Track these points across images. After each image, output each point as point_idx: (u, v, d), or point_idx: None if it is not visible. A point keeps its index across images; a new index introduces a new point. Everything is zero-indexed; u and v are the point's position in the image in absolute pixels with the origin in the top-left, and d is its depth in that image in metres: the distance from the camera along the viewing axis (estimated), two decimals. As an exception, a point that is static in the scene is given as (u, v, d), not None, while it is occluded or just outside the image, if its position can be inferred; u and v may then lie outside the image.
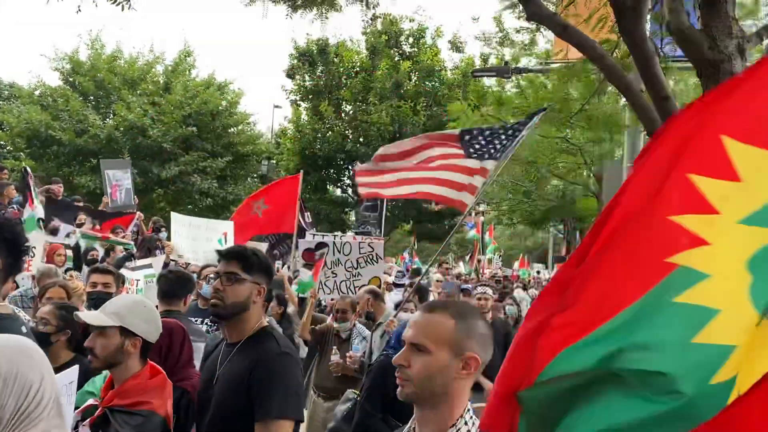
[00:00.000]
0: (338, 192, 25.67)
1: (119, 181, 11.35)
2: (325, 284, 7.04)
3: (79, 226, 9.23)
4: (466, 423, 1.64)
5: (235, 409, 2.45)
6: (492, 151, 6.20)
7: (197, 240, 9.42)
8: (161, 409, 2.54)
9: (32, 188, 8.20)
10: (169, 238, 10.00)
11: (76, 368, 2.38)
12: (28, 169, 8.72)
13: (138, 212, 10.96)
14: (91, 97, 22.49)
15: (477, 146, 6.31)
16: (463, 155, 6.12)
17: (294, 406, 2.46)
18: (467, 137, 6.15)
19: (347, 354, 5.48)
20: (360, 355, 5.45)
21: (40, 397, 1.54)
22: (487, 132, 6.26)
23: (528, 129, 6.09)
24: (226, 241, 9.86)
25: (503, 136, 6.15)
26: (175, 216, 9.88)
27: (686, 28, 3.35)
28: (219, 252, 2.70)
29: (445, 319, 1.66)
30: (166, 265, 7.66)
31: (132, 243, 9.31)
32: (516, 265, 29.45)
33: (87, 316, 2.70)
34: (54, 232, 8.50)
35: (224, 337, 2.69)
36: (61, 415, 1.62)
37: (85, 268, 7.67)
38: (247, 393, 2.43)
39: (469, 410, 1.67)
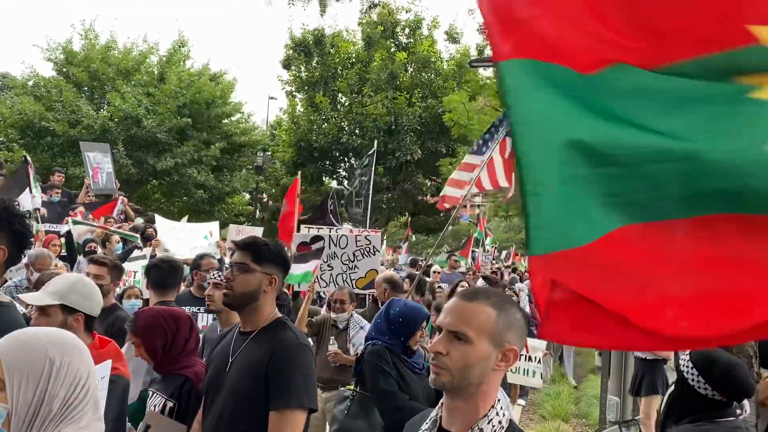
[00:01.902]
0: (334, 184, 25.61)
1: (100, 164, 11.28)
2: (321, 277, 7.01)
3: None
4: (497, 413, 1.60)
5: (250, 395, 2.45)
6: (480, 147, 6.30)
7: (183, 240, 9.56)
8: (127, 374, 2.60)
9: (31, 178, 8.12)
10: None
11: (108, 363, 2.39)
12: (28, 158, 8.62)
13: (121, 197, 10.95)
14: (85, 88, 22.35)
15: (477, 144, 6.45)
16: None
17: (310, 396, 2.46)
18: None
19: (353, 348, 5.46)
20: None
21: (86, 390, 1.57)
22: (490, 128, 6.43)
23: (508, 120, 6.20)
24: (211, 236, 9.99)
25: (491, 131, 6.27)
26: (158, 218, 10.10)
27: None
28: (234, 243, 2.75)
29: (487, 308, 1.62)
30: (152, 258, 7.64)
31: (138, 236, 9.31)
32: (504, 256, 29.62)
33: (28, 297, 2.77)
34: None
35: (225, 324, 2.70)
36: (99, 412, 1.64)
37: (80, 258, 7.63)
38: (263, 381, 2.43)
39: (499, 400, 1.63)
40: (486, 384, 1.60)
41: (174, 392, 2.94)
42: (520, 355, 5.61)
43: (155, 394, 3.01)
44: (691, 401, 2.64)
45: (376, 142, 14.94)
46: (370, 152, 12.16)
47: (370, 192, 11.49)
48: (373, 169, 11.98)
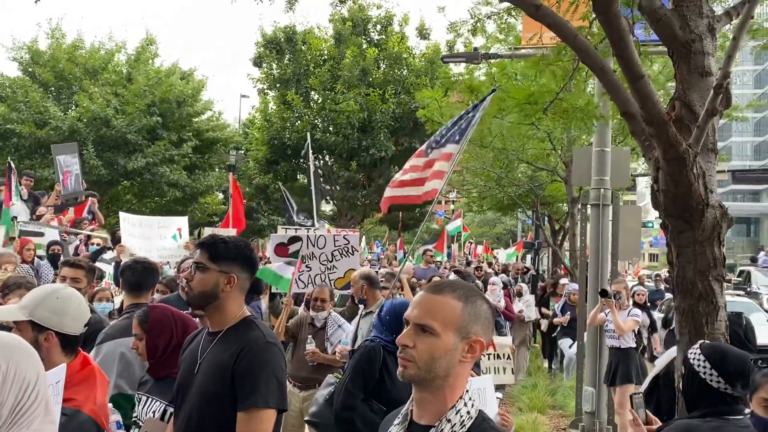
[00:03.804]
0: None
1: (69, 167, 10.99)
2: (299, 278, 6.97)
3: (39, 218, 9.01)
4: (465, 404, 1.61)
5: (218, 396, 2.41)
6: (452, 136, 6.33)
7: (150, 238, 9.28)
8: (86, 406, 2.43)
9: (13, 184, 7.92)
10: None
11: (63, 367, 2.30)
12: (12, 164, 8.39)
13: (91, 198, 10.73)
14: (52, 88, 21.93)
15: (437, 138, 6.45)
16: (423, 154, 6.40)
17: (279, 396, 2.42)
18: (430, 140, 6.46)
19: (337, 349, 5.42)
20: (350, 348, 5.42)
21: (36, 394, 1.53)
22: (449, 123, 6.45)
23: (481, 110, 6.24)
24: (180, 236, 9.73)
25: (461, 121, 6.31)
26: (124, 216, 9.67)
27: (658, 8, 3.36)
28: (194, 242, 2.68)
29: (453, 300, 1.63)
30: (117, 264, 7.47)
31: (108, 236, 9.14)
32: (480, 250, 29.93)
33: (1, 311, 2.61)
34: None
35: (205, 326, 2.66)
36: (51, 415, 1.60)
37: (41, 262, 7.48)
38: (231, 381, 2.39)
39: (467, 391, 1.64)
40: (453, 376, 1.61)
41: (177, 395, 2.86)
42: (488, 354, 5.67)
43: (151, 399, 2.91)
44: (701, 394, 2.59)
45: (309, 134, 15.04)
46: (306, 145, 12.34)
47: (312, 186, 11.60)
48: (311, 162, 12.11)
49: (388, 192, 6.83)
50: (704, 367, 2.60)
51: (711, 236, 3.23)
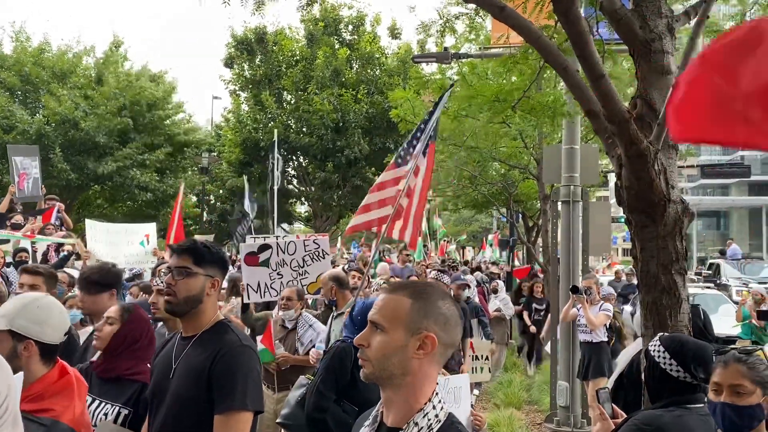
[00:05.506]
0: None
1: (27, 170, 10.69)
2: (271, 286, 6.92)
3: (16, 226, 8.84)
4: (434, 407, 1.61)
5: (194, 400, 2.41)
6: (415, 143, 6.24)
7: (117, 245, 9.14)
8: (65, 416, 2.39)
9: None
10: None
11: (20, 375, 2.27)
12: None
13: (59, 203, 10.55)
14: (18, 92, 21.55)
15: (402, 153, 6.34)
16: (394, 167, 6.25)
17: (255, 398, 2.43)
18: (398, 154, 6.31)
19: (312, 353, 5.41)
20: (322, 352, 5.41)
21: (5, 408, 1.52)
22: (409, 136, 6.36)
23: (440, 108, 6.20)
24: (148, 242, 9.62)
25: (422, 126, 6.24)
26: (90, 223, 9.56)
27: (618, 9, 3.43)
28: (170, 246, 2.70)
29: (403, 298, 1.64)
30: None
31: (79, 242, 8.97)
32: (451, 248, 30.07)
33: None
34: None
35: (173, 330, 2.65)
36: (18, 429, 1.59)
37: (6, 270, 7.34)
38: (207, 384, 2.40)
39: (437, 394, 1.63)
40: (412, 375, 1.60)
41: (130, 399, 2.82)
42: (468, 355, 5.66)
43: (100, 402, 2.84)
44: (662, 384, 2.66)
45: (276, 131, 14.89)
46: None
47: (276, 186, 11.51)
48: (276, 161, 11.94)
49: (353, 221, 6.67)
50: (664, 357, 2.67)
51: (673, 231, 3.30)
